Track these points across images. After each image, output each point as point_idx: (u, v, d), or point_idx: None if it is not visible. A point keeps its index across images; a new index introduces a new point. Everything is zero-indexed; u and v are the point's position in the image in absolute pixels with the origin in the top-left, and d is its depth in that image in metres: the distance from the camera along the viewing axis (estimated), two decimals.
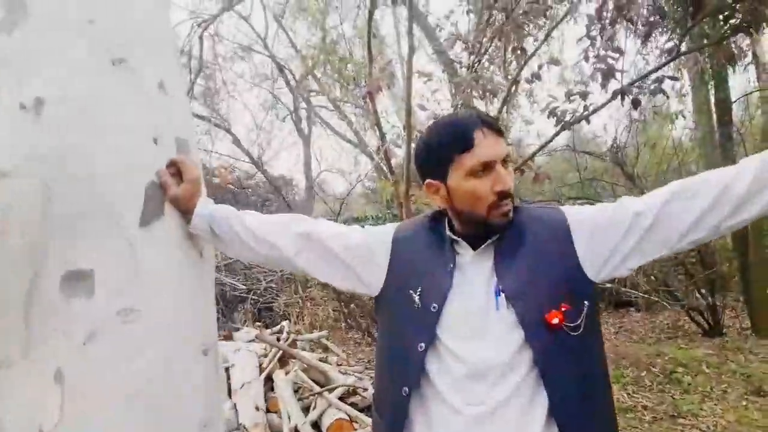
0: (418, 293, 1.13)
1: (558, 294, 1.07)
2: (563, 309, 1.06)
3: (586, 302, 1.09)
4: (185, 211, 1.26)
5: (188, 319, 1.23)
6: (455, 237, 1.16)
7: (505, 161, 1.11)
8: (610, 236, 1.10)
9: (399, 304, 1.16)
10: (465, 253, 1.16)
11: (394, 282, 1.19)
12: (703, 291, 6.32)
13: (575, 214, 1.15)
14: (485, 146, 1.09)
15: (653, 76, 3.46)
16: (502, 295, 1.08)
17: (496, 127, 1.11)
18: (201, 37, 5.92)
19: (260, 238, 1.25)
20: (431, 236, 1.20)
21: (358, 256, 1.22)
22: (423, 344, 1.10)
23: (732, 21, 2.77)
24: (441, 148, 1.13)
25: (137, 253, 1.15)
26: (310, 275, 1.30)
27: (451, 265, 1.14)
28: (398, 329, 1.17)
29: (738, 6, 2.64)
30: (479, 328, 1.08)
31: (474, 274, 1.13)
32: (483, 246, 1.14)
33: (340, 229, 1.28)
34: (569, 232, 1.12)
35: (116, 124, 1.17)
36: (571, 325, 1.06)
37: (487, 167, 1.09)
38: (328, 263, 1.24)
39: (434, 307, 1.11)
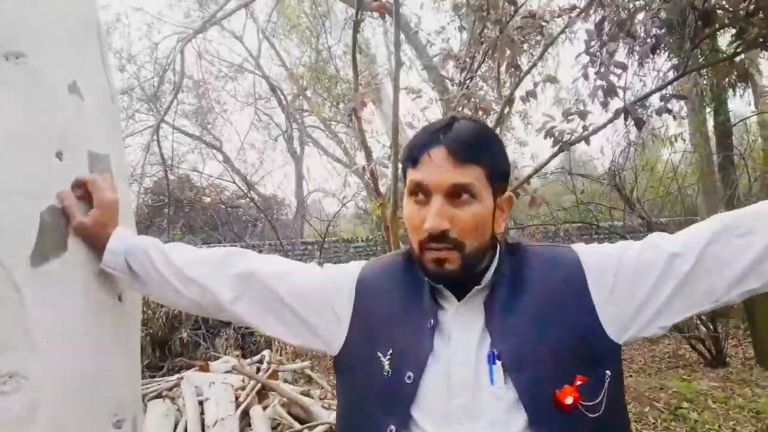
0: (388, 357, 0.86)
1: (571, 362, 0.81)
2: (578, 383, 0.80)
3: (608, 371, 0.83)
4: (96, 245, 0.99)
5: (94, 383, 0.96)
6: (435, 283, 0.89)
7: (458, 194, 0.83)
8: (638, 283, 0.85)
9: (363, 370, 0.89)
10: (449, 305, 0.89)
11: (357, 339, 0.92)
12: (703, 317, 6.08)
13: (591, 254, 0.89)
14: (426, 164, 0.85)
15: (655, 96, 3.27)
16: (498, 363, 0.82)
17: (461, 152, 0.84)
18: (182, 52, 5.73)
19: (189, 279, 0.98)
20: (406, 279, 0.94)
21: (311, 303, 0.95)
22: (393, 427, 0.83)
23: (745, 36, 2.58)
24: (403, 155, 0.91)
25: (26, 301, 0.89)
26: (253, 327, 1.02)
27: (432, 321, 0.87)
28: (361, 403, 0.89)
29: (753, 19, 2.45)
30: (468, 408, 0.81)
31: (460, 334, 0.86)
32: (469, 295, 0.88)
33: (289, 267, 1.01)
34: (584, 277, 0.87)
35: (4, 132, 0.91)
36: (589, 404, 0.80)
37: (425, 193, 0.85)
38: (271, 312, 0.97)
39: (409, 378, 0.84)
